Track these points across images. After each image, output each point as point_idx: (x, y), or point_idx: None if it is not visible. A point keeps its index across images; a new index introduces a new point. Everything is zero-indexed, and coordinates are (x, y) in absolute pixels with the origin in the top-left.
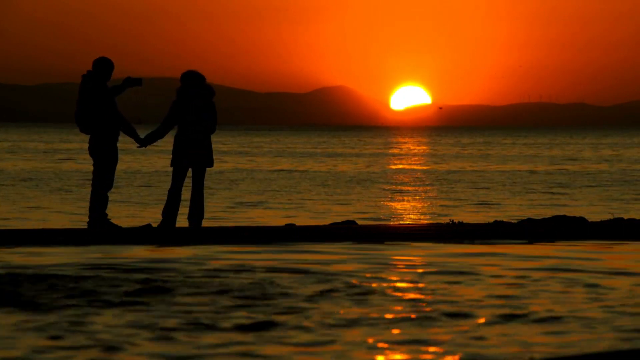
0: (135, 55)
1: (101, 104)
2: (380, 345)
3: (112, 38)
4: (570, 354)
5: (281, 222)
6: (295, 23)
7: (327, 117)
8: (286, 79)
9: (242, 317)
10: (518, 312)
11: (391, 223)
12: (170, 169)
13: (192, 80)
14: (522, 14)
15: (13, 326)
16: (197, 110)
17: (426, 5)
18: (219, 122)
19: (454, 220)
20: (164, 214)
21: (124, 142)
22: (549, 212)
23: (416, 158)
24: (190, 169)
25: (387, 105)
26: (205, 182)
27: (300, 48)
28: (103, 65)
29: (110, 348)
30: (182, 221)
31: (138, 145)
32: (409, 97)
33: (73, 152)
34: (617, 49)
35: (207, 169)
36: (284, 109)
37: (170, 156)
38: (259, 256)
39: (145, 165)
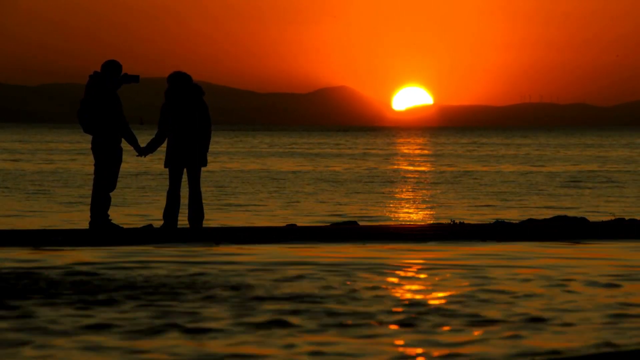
0: (138, 55)
1: (106, 104)
2: (380, 345)
3: (115, 37)
4: (570, 354)
5: (282, 222)
6: (297, 24)
7: (329, 117)
8: (288, 79)
9: (250, 316)
10: (519, 312)
11: (392, 223)
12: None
13: (179, 81)
14: (523, 14)
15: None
16: (188, 110)
17: (428, 6)
18: (220, 122)
19: (455, 221)
20: (164, 217)
21: (124, 143)
22: (550, 213)
23: (417, 158)
24: (185, 170)
25: (389, 105)
26: (205, 183)
27: (302, 48)
28: (111, 67)
29: (108, 348)
30: (182, 221)
31: (137, 154)
32: (410, 97)
33: (74, 152)
34: (618, 48)
35: (206, 170)
36: (286, 109)
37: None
38: (259, 256)
39: (146, 165)
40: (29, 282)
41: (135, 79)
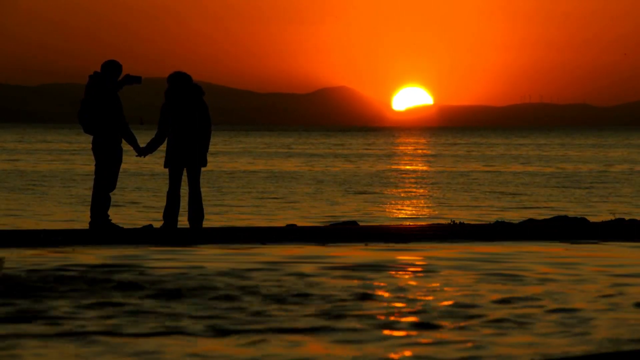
0: (138, 55)
1: (106, 105)
2: (381, 344)
3: (115, 37)
4: (571, 354)
5: (282, 222)
6: (297, 23)
7: (329, 117)
8: (288, 79)
9: (249, 316)
10: (519, 312)
11: (392, 223)
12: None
13: (179, 81)
14: (523, 14)
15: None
16: (188, 110)
17: (428, 7)
18: (220, 122)
19: (455, 221)
20: (164, 217)
21: (124, 143)
22: (550, 213)
23: (417, 158)
24: (185, 170)
25: (389, 105)
26: (204, 183)
27: (302, 48)
28: (111, 67)
29: (107, 351)
30: (182, 221)
31: (137, 154)
32: (410, 97)
33: (74, 152)
34: (618, 48)
35: (206, 170)
36: (286, 109)
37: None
38: (259, 257)
39: (146, 165)
40: (33, 283)
41: (137, 80)
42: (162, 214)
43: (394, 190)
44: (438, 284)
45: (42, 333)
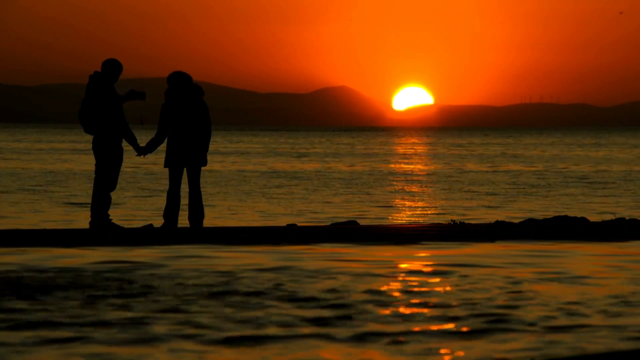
0: (139, 55)
1: (106, 104)
2: (382, 345)
3: (116, 37)
4: (570, 354)
5: (283, 222)
6: (298, 24)
7: (329, 117)
8: (288, 79)
9: (246, 318)
10: (518, 313)
11: (392, 223)
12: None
13: (179, 81)
14: (522, 14)
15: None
16: (188, 110)
17: (428, 7)
18: (220, 122)
19: (455, 221)
20: (165, 216)
21: (125, 142)
22: (550, 213)
23: (417, 158)
24: (185, 169)
25: (389, 105)
26: (205, 183)
27: (302, 48)
28: (111, 67)
29: (106, 353)
30: (183, 221)
31: (137, 154)
32: (411, 97)
33: (74, 152)
34: (618, 48)
35: (207, 170)
36: (286, 109)
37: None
38: (260, 257)
39: (146, 165)
40: (33, 283)
41: (141, 95)
42: (162, 213)
43: (394, 190)
44: (438, 284)
45: (42, 334)
